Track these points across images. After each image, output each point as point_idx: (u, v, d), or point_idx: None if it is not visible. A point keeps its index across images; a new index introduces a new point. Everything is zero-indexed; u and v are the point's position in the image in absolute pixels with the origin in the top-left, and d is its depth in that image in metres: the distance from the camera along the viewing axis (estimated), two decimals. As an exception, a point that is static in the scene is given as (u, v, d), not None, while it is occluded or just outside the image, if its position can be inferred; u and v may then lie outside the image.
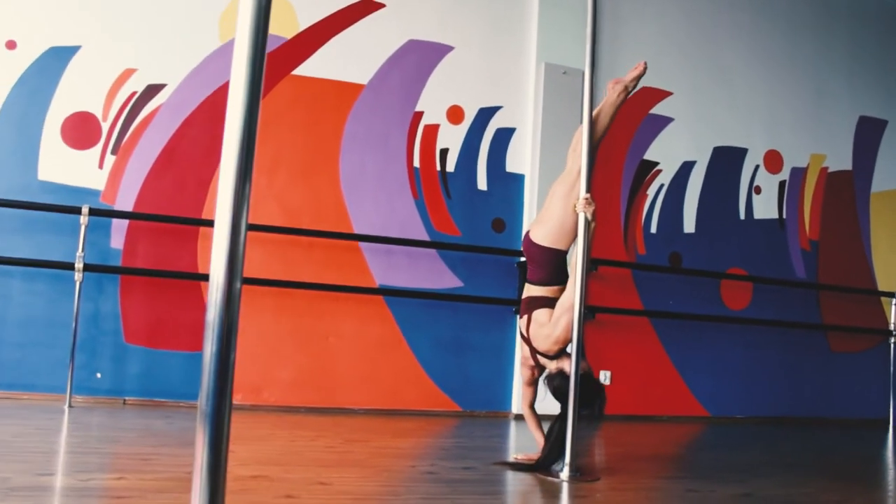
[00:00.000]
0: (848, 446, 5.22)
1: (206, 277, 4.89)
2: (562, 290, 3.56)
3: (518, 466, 3.50)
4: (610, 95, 3.73)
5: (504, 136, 5.67)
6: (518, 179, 5.65)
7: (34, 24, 4.79)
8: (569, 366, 3.47)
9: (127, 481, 2.76)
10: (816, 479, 3.77)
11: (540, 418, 3.68)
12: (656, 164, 6.05)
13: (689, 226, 6.12)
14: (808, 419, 6.35)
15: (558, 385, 3.49)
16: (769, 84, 6.52)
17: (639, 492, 3.37)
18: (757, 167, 6.38)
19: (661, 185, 6.06)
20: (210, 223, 4.95)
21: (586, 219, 3.49)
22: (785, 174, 6.47)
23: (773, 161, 6.43)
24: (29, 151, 4.73)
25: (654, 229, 6.01)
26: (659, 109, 6.09)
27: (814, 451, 4.90)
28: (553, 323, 3.48)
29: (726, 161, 6.29)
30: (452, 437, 4.56)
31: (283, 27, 5.24)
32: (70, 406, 4.44)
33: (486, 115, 5.63)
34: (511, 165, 5.65)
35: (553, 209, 3.65)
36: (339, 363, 5.20)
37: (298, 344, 5.13)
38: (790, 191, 6.48)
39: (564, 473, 3.35)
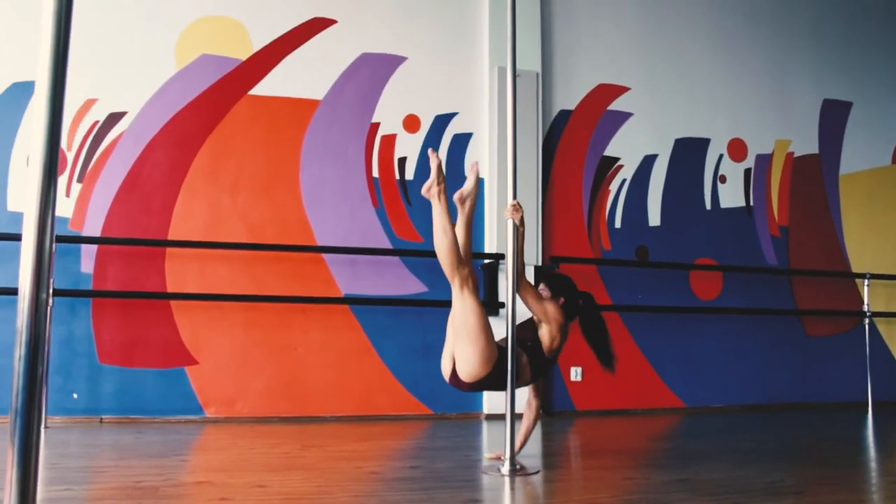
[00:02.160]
0: (821, 430, 5.27)
1: (175, 296, 5.09)
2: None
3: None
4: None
5: (461, 141, 5.79)
6: (478, 184, 5.76)
7: (-3, 62, 5.02)
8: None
9: (72, 492, 2.92)
10: (767, 462, 3.84)
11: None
12: (617, 159, 6.13)
13: (655, 219, 6.19)
14: (787, 405, 6.39)
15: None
16: (730, 71, 6.58)
17: (574, 482, 3.47)
18: (721, 156, 6.44)
19: (624, 180, 6.14)
20: (177, 244, 5.14)
21: (515, 225, 3.63)
22: (750, 161, 6.53)
23: (736, 149, 6.49)
24: (-3, 184, 4.95)
25: (618, 224, 6.09)
26: (617, 105, 6.18)
27: (781, 436, 4.95)
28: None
29: (689, 152, 6.36)
30: (414, 440, 4.68)
31: (236, 49, 5.41)
32: (46, 427, 4.63)
33: (442, 121, 5.76)
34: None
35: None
36: (310, 373, 5.34)
37: (269, 356, 5.28)
38: (756, 178, 6.53)
39: (505, 468, 3.46)
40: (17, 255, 4.70)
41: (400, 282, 5.54)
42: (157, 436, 4.47)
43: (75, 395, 4.93)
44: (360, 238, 5.51)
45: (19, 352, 1.35)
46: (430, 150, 3.78)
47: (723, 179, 6.42)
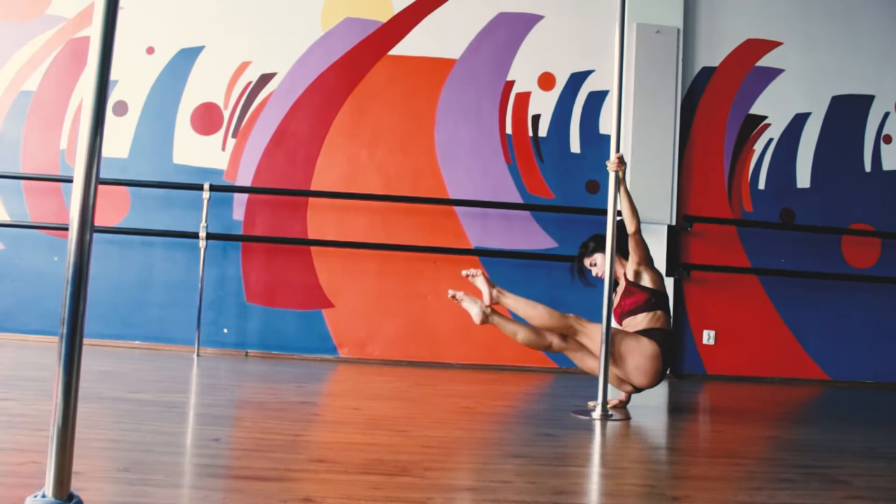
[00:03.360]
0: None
1: (315, 242, 5.46)
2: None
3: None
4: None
5: (597, 99, 5.75)
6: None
7: (167, 30, 5.58)
8: None
9: (217, 408, 3.31)
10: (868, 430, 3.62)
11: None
12: (764, 117, 5.83)
13: (804, 181, 5.84)
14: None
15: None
16: (901, 24, 6.05)
17: (658, 432, 3.44)
18: (887, 115, 5.94)
19: (770, 140, 5.83)
20: (318, 194, 5.51)
21: (617, 177, 3.63)
22: (921, 120, 5.98)
23: (904, 107, 5.98)
24: (165, 140, 5.53)
25: (762, 185, 5.80)
26: (766, 61, 5.86)
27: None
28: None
29: (848, 111, 5.92)
30: (526, 387, 4.75)
31: (378, 11, 5.68)
32: (198, 356, 5.16)
33: (577, 79, 5.75)
34: (605, 128, 5.72)
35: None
36: (438, 321, 5.56)
37: (399, 303, 5.56)
38: (927, 138, 5.98)
39: (596, 413, 3.49)
40: (182, 203, 5.34)
41: (530, 237, 5.62)
42: (291, 369, 4.86)
43: (225, 330, 5.45)
44: (492, 193, 5.63)
45: (67, 284, 1.53)
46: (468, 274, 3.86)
47: (887, 140, 5.93)
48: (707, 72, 5.84)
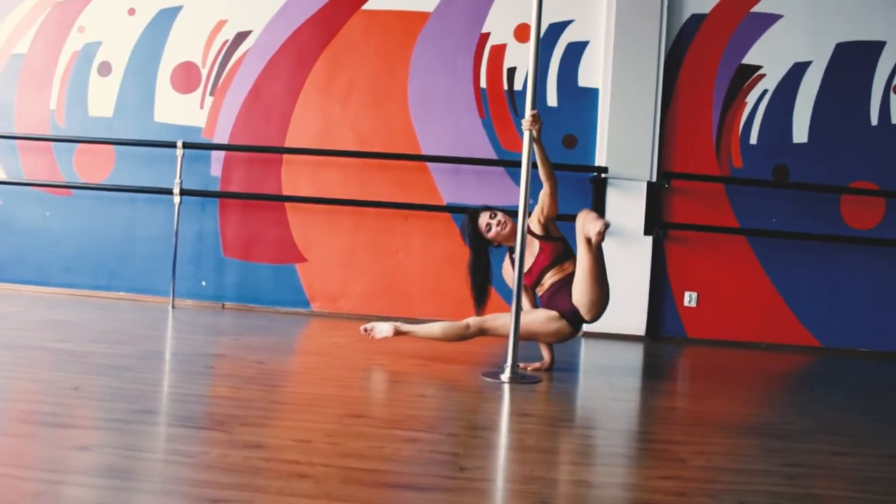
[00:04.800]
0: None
1: (289, 199, 5.54)
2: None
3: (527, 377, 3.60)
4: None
5: (576, 50, 5.52)
6: (591, 94, 5.49)
7: (148, -11, 5.73)
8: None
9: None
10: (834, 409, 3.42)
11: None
12: (758, 67, 5.46)
13: (801, 135, 5.46)
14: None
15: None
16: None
17: (564, 396, 3.36)
18: (899, 63, 5.48)
19: (765, 91, 5.46)
20: (292, 150, 5.56)
21: (531, 135, 3.52)
22: (937, 68, 5.47)
23: (920, 54, 5.47)
24: (146, 99, 5.69)
25: (753, 140, 5.46)
26: (763, 6, 5.46)
27: None
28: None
29: (854, 59, 5.46)
30: (471, 346, 4.59)
31: (352, -35, 5.64)
32: (173, 307, 5.36)
33: (556, 30, 5.54)
34: (584, 80, 5.50)
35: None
36: (409, 276, 5.56)
37: (372, 258, 5.59)
38: (944, 88, 5.46)
39: (505, 375, 3.45)
40: (163, 160, 5.51)
41: (503, 192, 5.50)
42: (250, 321, 4.99)
43: (204, 283, 5.63)
44: (466, 148, 5.54)
45: None
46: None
47: (898, 90, 5.47)
48: (696, 19, 5.50)
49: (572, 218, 3.63)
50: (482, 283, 3.85)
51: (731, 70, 5.50)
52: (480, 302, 3.85)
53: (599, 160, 5.44)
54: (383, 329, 3.78)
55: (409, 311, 5.51)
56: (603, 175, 5.32)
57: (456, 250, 5.52)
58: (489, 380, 3.40)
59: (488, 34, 5.56)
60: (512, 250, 3.82)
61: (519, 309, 3.50)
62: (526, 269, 3.75)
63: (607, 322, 5.26)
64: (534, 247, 3.77)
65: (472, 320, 3.73)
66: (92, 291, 5.64)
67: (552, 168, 3.66)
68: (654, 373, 4.35)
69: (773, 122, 5.49)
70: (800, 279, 5.45)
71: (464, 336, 3.74)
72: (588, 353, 4.67)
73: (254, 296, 5.62)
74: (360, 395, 3.02)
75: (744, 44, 5.51)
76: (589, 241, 3.49)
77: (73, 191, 5.68)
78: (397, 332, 3.77)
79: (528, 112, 3.54)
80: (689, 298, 5.45)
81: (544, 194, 3.71)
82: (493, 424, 2.70)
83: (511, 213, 3.85)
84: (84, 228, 5.70)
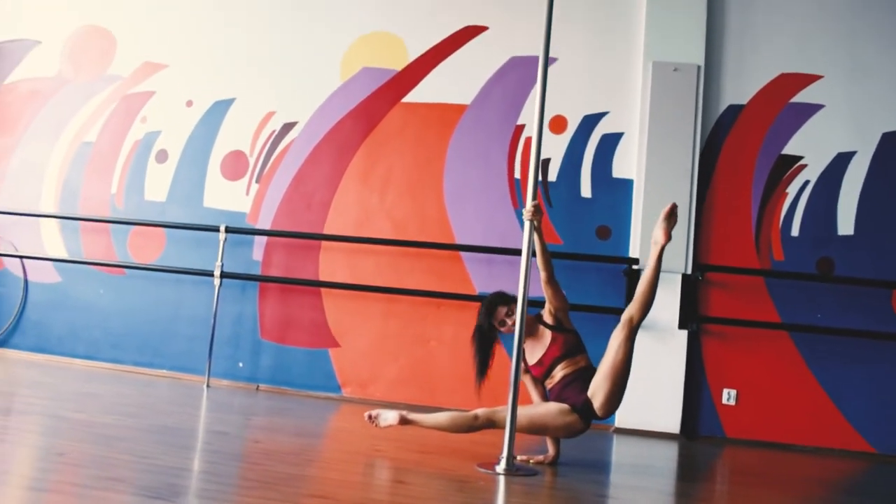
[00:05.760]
0: None
1: (325, 284, 5.66)
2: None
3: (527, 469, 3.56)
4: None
5: (611, 141, 5.53)
6: (626, 185, 5.46)
7: (205, 84, 6.11)
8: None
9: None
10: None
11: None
12: (799, 158, 5.32)
13: (846, 227, 5.24)
14: None
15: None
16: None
17: (557, 491, 3.25)
18: (953, 154, 5.23)
19: (807, 182, 5.30)
20: (330, 237, 5.72)
21: (532, 225, 3.56)
22: None
23: (974, 144, 5.21)
24: (197, 185, 6.01)
25: (795, 232, 5.27)
26: (803, 97, 5.36)
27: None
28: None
29: (903, 149, 5.27)
30: (486, 436, 4.49)
31: (394, 60, 5.86)
32: (208, 387, 5.49)
33: (590, 121, 5.57)
34: (618, 171, 5.48)
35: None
36: (439, 365, 5.54)
37: (403, 345, 5.61)
38: None
39: (500, 466, 3.38)
40: (209, 244, 5.77)
41: (535, 284, 5.44)
42: (291, 404, 5.06)
43: (241, 364, 5.76)
44: (499, 238, 5.56)
45: None
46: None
47: (954, 182, 5.20)
48: (734, 110, 5.44)
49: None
50: (485, 360, 3.80)
51: (770, 160, 5.38)
52: (481, 375, 3.79)
53: (633, 251, 5.36)
54: (388, 417, 3.76)
55: (437, 399, 5.47)
56: (635, 266, 5.24)
57: (487, 338, 5.51)
58: (483, 470, 3.34)
59: (523, 126, 5.65)
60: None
61: (516, 396, 3.46)
62: (537, 359, 3.72)
63: (640, 417, 5.16)
64: (545, 338, 3.73)
65: (481, 411, 3.67)
66: (136, 368, 5.86)
67: (549, 257, 3.68)
68: (689, 474, 4.16)
69: (816, 213, 5.30)
70: (849, 378, 5.13)
71: (472, 427, 3.67)
72: (620, 451, 4.52)
73: (287, 379, 5.70)
74: (334, 478, 3.00)
75: (784, 134, 5.39)
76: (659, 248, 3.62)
77: (126, 270, 5.99)
78: (403, 421, 3.74)
79: (529, 202, 3.58)
80: (728, 396, 5.21)
81: (543, 283, 3.70)
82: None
83: (538, 304, 3.86)
84: (133, 307, 5.98)
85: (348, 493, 2.78)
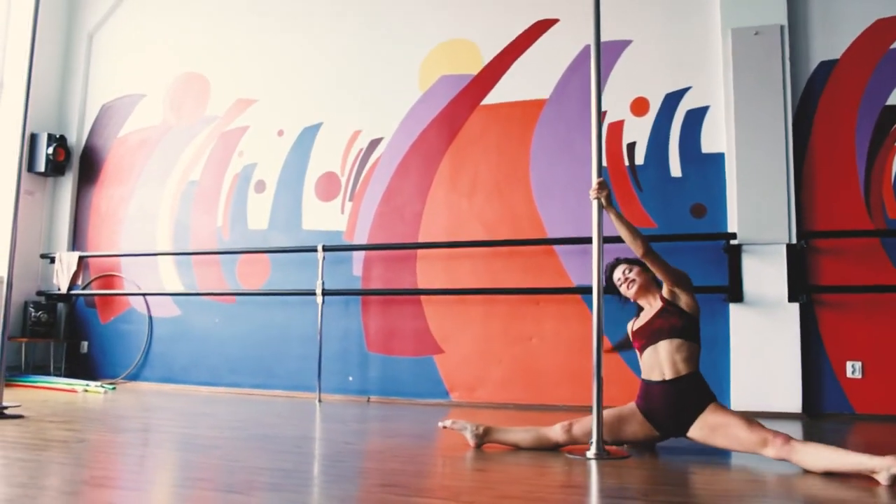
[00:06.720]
0: None
1: (423, 292, 5.72)
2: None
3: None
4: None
5: (696, 116, 5.33)
6: (717, 159, 5.24)
7: (293, 113, 6.36)
8: None
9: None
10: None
11: None
12: (907, 107, 4.95)
13: (968, 175, 4.82)
14: None
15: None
16: None
17: (651, 470, 3.13)
18: None
19: (918, 132, 4.92)
20: (424, 245, 5.79)
21: (600, 204, 3.50)
22: None
23: None
24: (295, 209, 6.23)
25: (910, 187, 4.90)
26: (904, 42, 5.00)
27: None
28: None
29: None
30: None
31: (469, 65, 5.91)
32: (320, 402, 5.64)
33: (673, 99, 5.39)
34: (707, 146, 5.27)
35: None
36: (544, 362, 5.47)
37: (505, 346, 5.58)
38: None
39: (591, 452, 3.30)
40: (311, 264, 6.04)
41: (633, 270, 5.32)
42: (401, 412, 5.13)
43: (350, 378, 5.89)
44: (591, 228, 5.43)
45: None
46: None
47: None
48: (826, 66, 5.14)
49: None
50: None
51: (874, 114, 5.04)
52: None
53: (731, 226, 5.13)
54: (467, 433, 3.57)
55: (545, 397, 5.40)
56: (734, 242, 5.02)
57: (588, 332, 5.36)
58: (573, 456, 3.26)
59: (605, 112, 5.54)
60: (641, 309, 3.64)
61: (601, 379, 3.35)
62: (641, 324, 3.55)
63: (758, 398, 4.90)
64: (654, 308, 3.54)
65: (563, 426, 3.46)
66: (253, 390, 6.11)
67: (634, 231, 3.48)
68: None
69: (932, 164, 4.92)
70: None
71: (557, 444, 3.46)
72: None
73: (396, 388, 5.79)
74: (411, 469, 2.99)
75: (886, 84, 5.04)
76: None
77: (235, 298, 6.29)
78: (484, 436, 3.58)
79: (595, 180, 3.52)
80: (853, 369, 4.87)
81: (642, 259, 3.52)
82: (531, 496, 2.57)
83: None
84: (246, 332, 6.25)
85: (422, 482, 2.79)
